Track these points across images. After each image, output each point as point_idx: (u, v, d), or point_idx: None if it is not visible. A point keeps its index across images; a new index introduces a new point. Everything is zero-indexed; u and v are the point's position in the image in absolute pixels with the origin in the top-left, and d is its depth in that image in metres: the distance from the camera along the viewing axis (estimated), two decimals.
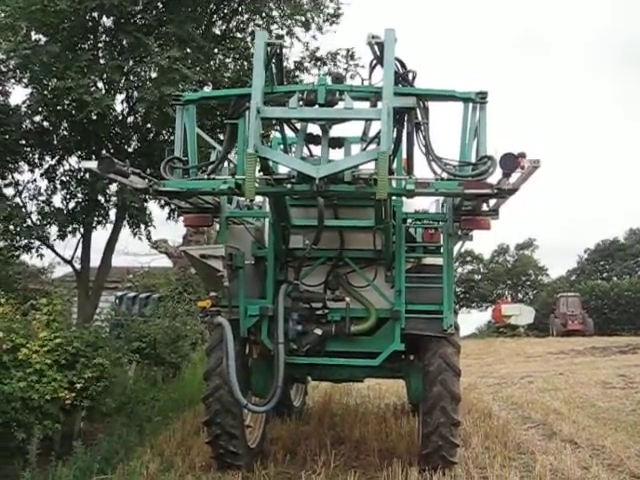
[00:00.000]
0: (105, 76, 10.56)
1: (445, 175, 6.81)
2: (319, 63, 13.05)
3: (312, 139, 7.22)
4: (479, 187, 6.56)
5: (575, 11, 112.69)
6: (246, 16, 12.85)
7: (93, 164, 6.55)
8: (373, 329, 8.14)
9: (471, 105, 7.14)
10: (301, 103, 6.66)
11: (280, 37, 12.77)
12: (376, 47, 6.68)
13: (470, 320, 74.12)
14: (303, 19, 12.80)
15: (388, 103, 6.25)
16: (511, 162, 6.06)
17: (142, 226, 13.27)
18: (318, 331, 8.03)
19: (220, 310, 7.88)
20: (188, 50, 11.04)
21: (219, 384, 8.07)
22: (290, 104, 6.59)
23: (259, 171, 7.12)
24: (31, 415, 8.01)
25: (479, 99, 7.02)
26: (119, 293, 27.95)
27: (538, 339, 42.70)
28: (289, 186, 6.75)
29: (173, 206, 10.18)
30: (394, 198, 7.84)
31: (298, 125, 7.35)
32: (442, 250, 8.07)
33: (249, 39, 12.57)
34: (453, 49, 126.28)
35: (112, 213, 12.96)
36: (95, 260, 13.51)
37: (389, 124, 6.24)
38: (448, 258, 8.00)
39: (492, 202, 7.71)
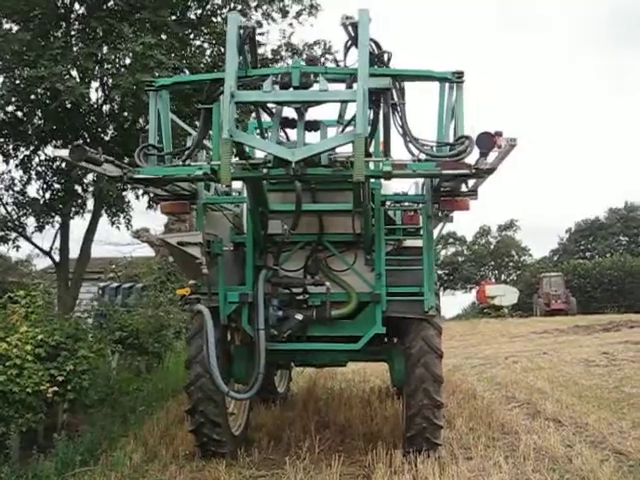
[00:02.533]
0: (78, 64, 10.36)
1: (423, 156, 6.77)
2: (296, 53, 12.92)
3: (288, 123, 7.14)
4: (457, 167, 6.51)
5: None
6: (220, 2, 12.66)
7: (65, 152, 6.43)
8: (354, 313, 8.10)
9: (448, 85, 7.09)
10: (276, 86, 6.59)
11: (259, 23, 12.67)
12: (350, 28, 6.61)
13: (455, 302, 74.76)
14: (280, 5, 12.68)
15: (363, 84, 6.19)
16: (488, 141, 6.02)
17: (120, 215, 13.15)
18: (299, 316, 7.98)
19: (200, 298, 7.84)
20: (163, 36, 10.89)
21: (200, 372, 8.01)
22: (264, 87, 6.50)
23: (235, 156, 7.05)
24: (11, 409, 7.91)
25: (455, 78, 6.96)
26: (102, 284, 27.80)
27: (522, 319, 43.00)
28: (265, 171, 6.70)
29: (152, 194, 10.04)
30: (372, 181, 7.82)
31: (274, 109, 7.27)
32: (422, 232, 8.02)
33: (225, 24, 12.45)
34: (431, 29, 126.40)
35: (90, 203, 12.84)
36: (75, 251, 13.41)
37: (364, 106, 6.18)
38: (428, 240, 7.96)
39: (471, 183, 7.71)
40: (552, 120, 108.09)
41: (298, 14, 12.86)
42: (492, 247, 75.53)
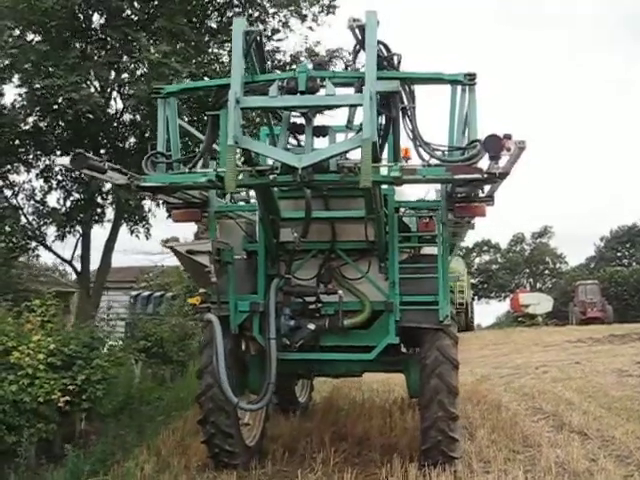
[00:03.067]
0: (95, 73, 10.39)
1: (435, 162, 6.58)
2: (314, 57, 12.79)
3: (296, 128, 7.01)
4: (468, 172, 6.31)
5: None
6: (239, 9, 12.61)
7: (67, 160, 6.39)
8: (368, 322, 7.93)
9: (460, 88, 6.90)
10: (283, 92, 6.47)
11: (276, 31, 12.58)
12: (358, 31, 6.46)
13: (489, 310, 73.99)
14: (298, 9, 12.57)
15: (371, 88, 6.04)
16: (495, 144, 5.82)
17: (140, 224, 13.15)
18: (311, 326, 7.83)
19: (210, 306, 7.75)
20: (179, 45, 10.87)
21: (211, 382, 7.89)
22: (270, 93, 6.39)
23: (243, 163, 6.94)
24: (22, 418, 7.89)
25: (467, 80, 6.77)
26: (134, 292, 27.97)
27: (557, 328, 42.11)
28: (272, 177, 6.57)
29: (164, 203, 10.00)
30: (385, 187, 7.66)
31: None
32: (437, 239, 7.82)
33: None
34: (439, 29, 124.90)
35: (110, 212, 12.86)
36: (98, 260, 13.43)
37: (372, 110, 6.03)
38: (443, 247, 7.77)
39: (487, 188, 7.50)
40: (581, 123, 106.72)
41: (314, 18, 12.74)
42: (527, 254, 74.60)
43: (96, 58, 10.91)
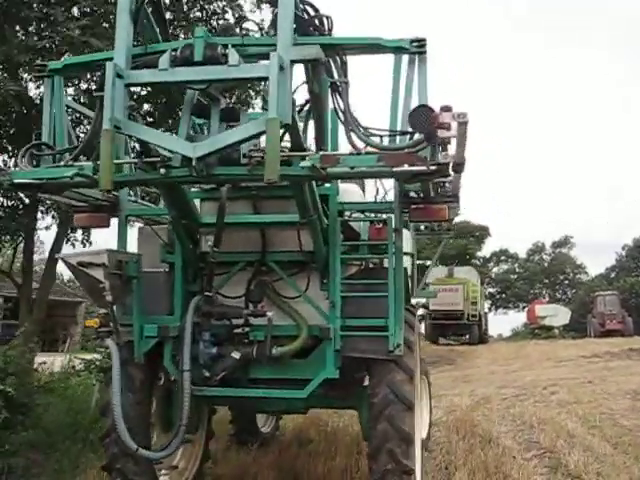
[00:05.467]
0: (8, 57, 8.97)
1: (373, 149, 5.15)
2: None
3: (200, 111, 5.63)
4: (407, 162, 4.86)
5: None
6: None
7: None
8: (305, 350, 6.48)
9: (406, 58, 5.47)
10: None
11: None
12: None
13: (507, 321, 72.25)
14: None
15: (282, 54, 4.65)
16: (424, 118, 4.38)
17: (79, 231, 11.77)
18: (236, 354, 6.38)
19: (112, 330, 6.35)
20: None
21: None
22: (160, 64, 5.01)
23: (138, 155, 5.55)
24: None
25: (415, 48, 5.35)
26: None
27: (574, 341, 40.61)
28: (163, 172, 5.18)
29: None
30: (328, 185, 6.29)
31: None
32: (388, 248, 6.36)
33: None
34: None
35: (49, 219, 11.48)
36: None
37: (284, 83, 4.64)
38: (396, 258, 6.31)
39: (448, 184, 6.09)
40: (607, 135, 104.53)
41: None
42: (546, 264, 72.70)
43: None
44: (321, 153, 4.99)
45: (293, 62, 4.80)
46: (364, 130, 5.18)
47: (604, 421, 12.26)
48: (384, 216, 6.64)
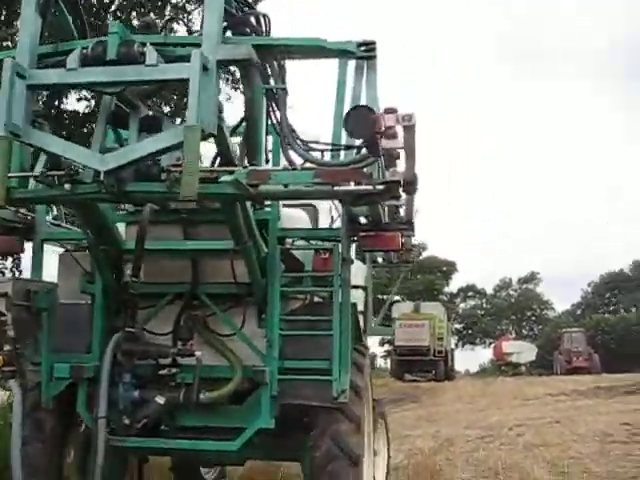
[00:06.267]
0: None
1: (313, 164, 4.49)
2: None
3: (118, 119, 4.92)
4: (352, 179, 4.19)
5: None
6: None
7: None
8: (241, 394, 5.72)
9: (354, 63, 4.85)
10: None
11: None
12: None
13: (473, 357, 71.83)
14: None
15: (207, 53, 4.01)
16: (362, 122, 3.71)
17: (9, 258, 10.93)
18: (160, 399, 5.59)
19: (17, 370, 5.53)
20: None
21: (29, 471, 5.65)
22: (68, 64, 4.32)
23: (49, 168, 4.81)
24: None
25: (363, 52, 4.73)
26: None
27: (540, 378, 40.29)
28: (68, 187, 4.46)
29: None
30: (267, 209, 5.61)
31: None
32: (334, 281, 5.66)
33: None
34: None
35: None
36: None
37: (208, 86, 3.99)
38: (343, 292, 5.61)
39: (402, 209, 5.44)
40: (576, 168, 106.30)
41: None
42: (513, 300, 72.77)
43: None
44: (250, 168, 4.30)
45: (220, 63, 4.16)
46: (303, 144, 4.52)
47: (572, 466, 11.56)
48: (331, 245, 5.94)
